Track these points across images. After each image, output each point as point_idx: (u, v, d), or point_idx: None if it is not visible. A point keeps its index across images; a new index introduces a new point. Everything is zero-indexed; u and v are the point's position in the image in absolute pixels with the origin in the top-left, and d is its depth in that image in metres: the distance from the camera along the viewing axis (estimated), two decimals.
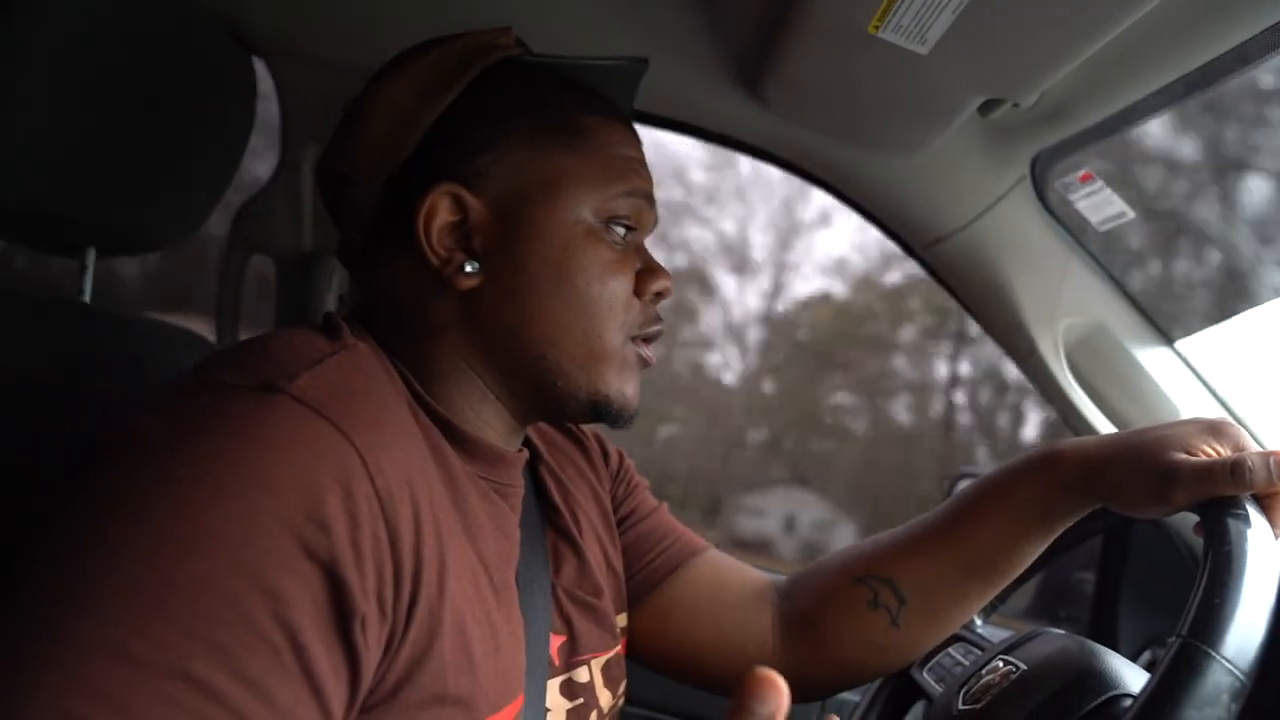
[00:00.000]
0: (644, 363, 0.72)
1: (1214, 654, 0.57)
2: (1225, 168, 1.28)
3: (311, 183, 1.29)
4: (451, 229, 0.67)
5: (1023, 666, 0.84)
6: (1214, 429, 0.73)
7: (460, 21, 0.74)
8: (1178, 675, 0.57)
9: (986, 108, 1.00)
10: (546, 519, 0.80)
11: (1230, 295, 1.27)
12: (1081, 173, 1.13)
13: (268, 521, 0.48)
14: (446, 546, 0.58)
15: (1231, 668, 0.57)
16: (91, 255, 0.99)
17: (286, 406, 0.52)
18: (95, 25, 0.81)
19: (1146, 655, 1.29)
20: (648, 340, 0.73)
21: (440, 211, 0.66)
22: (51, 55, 0.78)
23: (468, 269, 0.66)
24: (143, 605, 0.45)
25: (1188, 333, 1.23)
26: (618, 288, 0.69)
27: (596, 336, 0.68)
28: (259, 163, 1.18)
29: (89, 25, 0.81)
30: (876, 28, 0.84)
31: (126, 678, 0.44)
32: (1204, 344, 1.23)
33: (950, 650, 0.99)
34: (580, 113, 0.70)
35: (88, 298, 0.99)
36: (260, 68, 1.17)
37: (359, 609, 0.50)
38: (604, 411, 0.70)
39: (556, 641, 0.73)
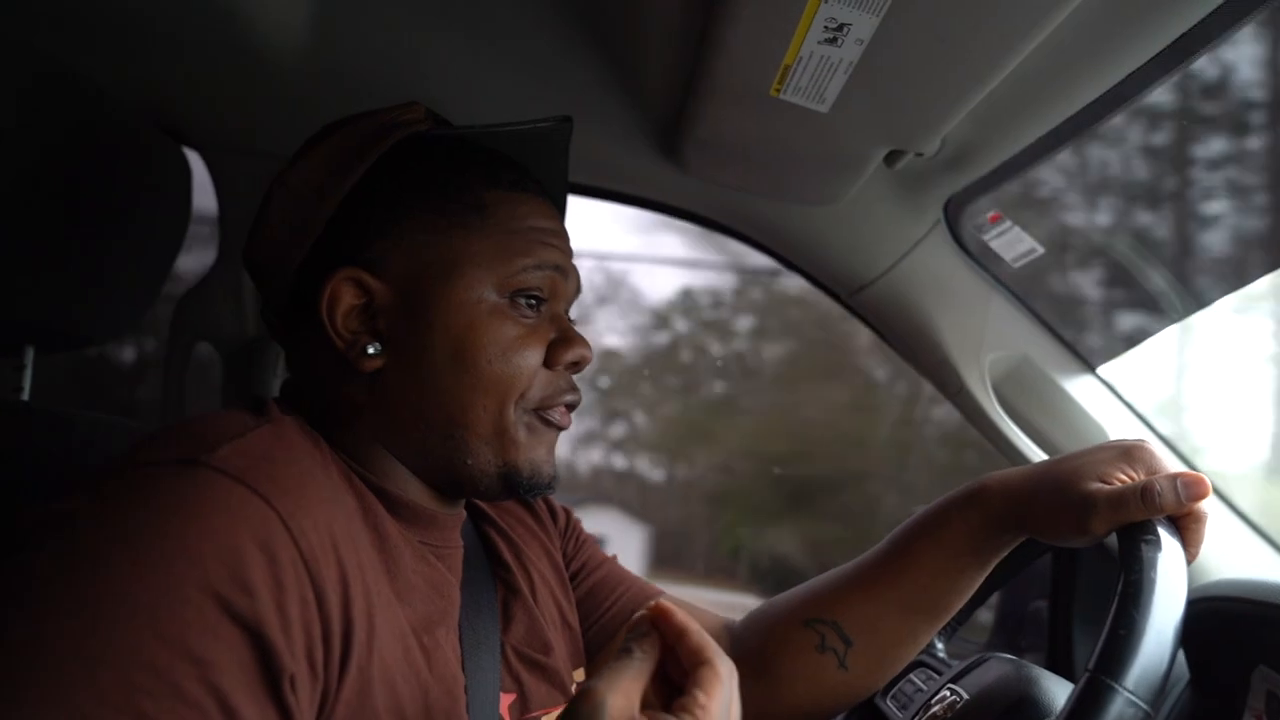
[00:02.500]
0: (556, 427, 0.72)
1: (1118, 687, 0.59)
2: (1129, 194, 1.35)
3: None
4: (357, 312, 0.68)
5: (965, 696, 0.86)
6: (1127, 454, 0.74)
7: (388, 95, 0.76)
8: (1084, 710, 0.60)
9: (892, 158, 1.05)
10: (496, 576, 0.80)
11: (1145, 318, 1.32)
12: (990, 214, 1.18)
13: (189, 590, 0.49)
14: (375, 608, 0.58)
15: (1134, 699, 0.59)
16: (30, 354, 0.99)
17: (206, 477, 0.53)
18: (25, 122, 0.82)
19: None
20: (564, 408, 0.72)
21: (344, 296, 0.67)
22: None
23: (370, 351, 0.67)
24: (71, 682, 0.46)
25: (1108, 358, 1.28)
26: (522, 363, 0.69)
27: (499, 414, 0.68)
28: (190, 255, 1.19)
29: (18, 121, 0.82)
30: (778, 90, 0.88)
31: None
32: (1124, 367, 1.28)
33: (912, 676, 1.01)
34: (484, 188, 0.70)
35: (26, 396, 0.99)
36: (195, 160, 1.19)
37: (287, 668, 0.51)
38: (515, 482, 0.70)
39: (506, 700, 0.73)
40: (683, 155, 1.11)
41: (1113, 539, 0.73)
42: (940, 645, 1.06)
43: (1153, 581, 0.65)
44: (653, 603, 0.53)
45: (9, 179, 0.82)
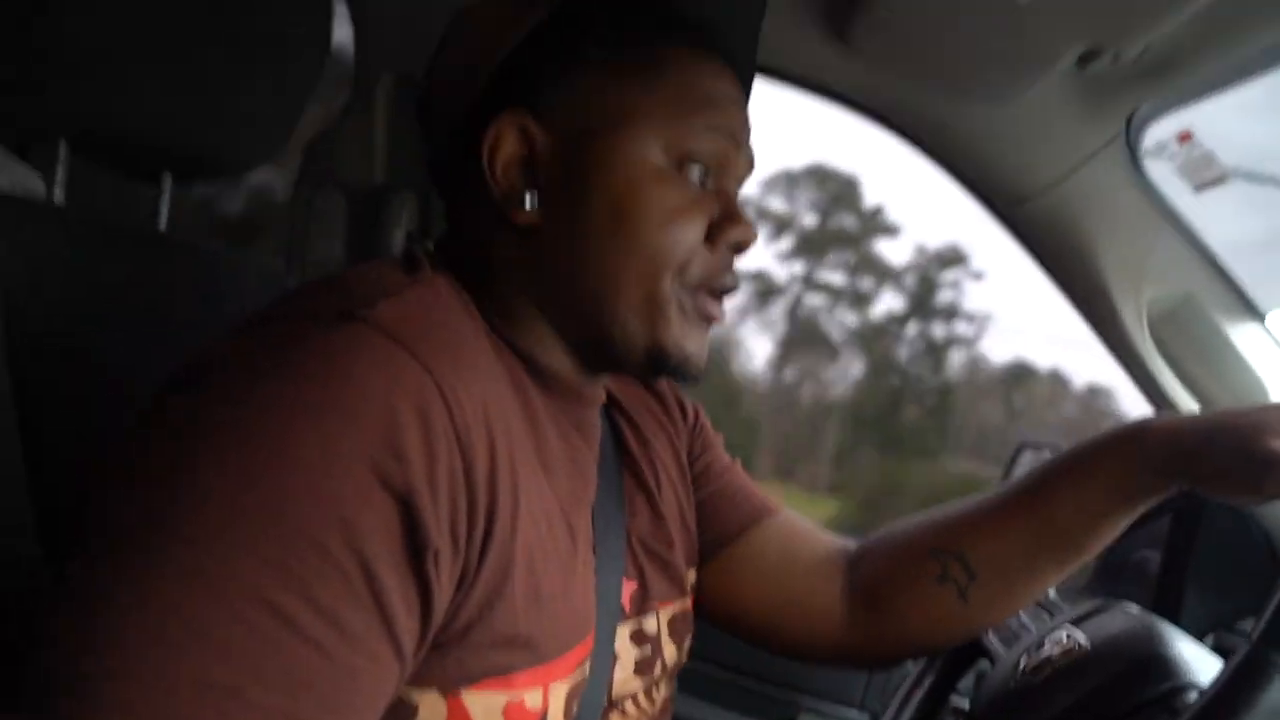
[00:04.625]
0: (708, 318, 0.68)
1: None
2: None
3: (384, 116, 1.28)
4: (518, 162, 0.65)
5: (1086, 644, 0.82)
6: None
7: None
8: (1244, 682, 0.56)
9: (1085, 59, 0.96)
10: (624, 465, 0.79)
11: None
12: (1182, 132, 1.08)
13: (344, 450, 0.47)
14: (521, 483, 0.57)
15: None
16: (168, 181, 1.00)
17: (365, 334, 0.51)
18: None
19: (1210, 639, 1.26)
20: (718, 294, 0.69)
21: (506, 143, 0.64)
22: None
23: (528, 204, 0.64)
24: (220, 532, 0.45)
25: None
26: (682, 235, 0.65)
27: (654, 285, 0.64)
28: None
29: None
30: None
31: (205, 601, 0.44)
32: None
33: (1020, 612, 0.97)
34: (660, 43, 0.66)
35: (163, 225, 1.00)
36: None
37: (432, 542, 0.50)
38: (662, 364, 0.67)
39: (629, 588, 0.73)
40: (853, 36, 1.03)
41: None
42: (1050, 590, 1.01)
43: None
44: None
45: (155, 4, 0.80)
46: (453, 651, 0.55)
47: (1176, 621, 1.28)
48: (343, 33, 1.24)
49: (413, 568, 0.49)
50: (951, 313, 4.91)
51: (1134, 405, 1.24)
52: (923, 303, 4.95)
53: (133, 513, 0.47)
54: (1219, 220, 1.21)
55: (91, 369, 0.78)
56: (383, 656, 0.49)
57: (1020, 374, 5.01)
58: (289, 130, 1.03)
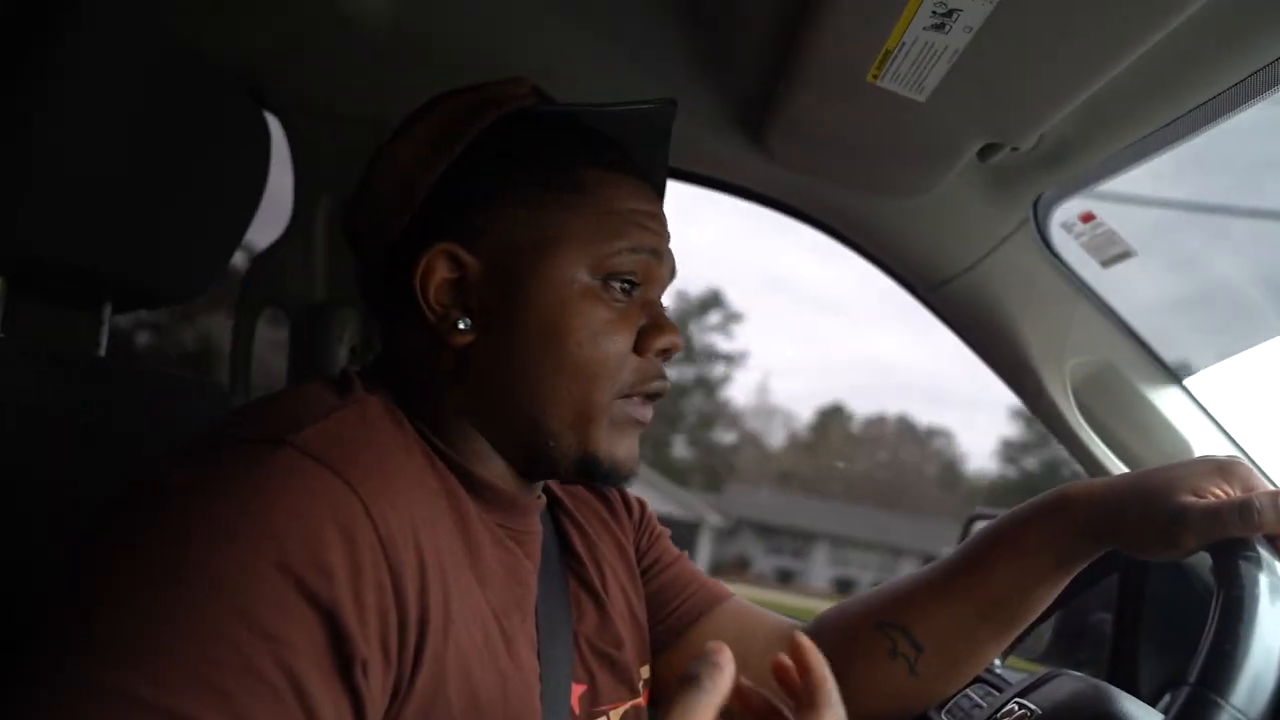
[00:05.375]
0: (639, 424, 0.71)
1: (1223, 703, 0.57)
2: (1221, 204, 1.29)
3: (324, 236, 1.31)
4: (449, 286, 0.67)
5: (1037, 710, 0.83)
6: (1222, 469, 0.73)
7: (472, 71, 0.75)
8: None
9: (986, 151, 1.02)
10: (569, 567, 0.79)
11: (1237, 331, 1.27)
12: (1083, 213, 1.14)
13: (267, 568, 0.49)
14: (453, 594, 0.58)
15: (1241, 717, 0.57)
16: (108, 310, 1.00)
17: (291, 457, 0.53)
18: (117, 82, 0.83)
19: (1166, 698, 1.27)
20: (648, 398, 0.71)
21: (438, 269, 0.66)
22: (73, 110, 0.80)
23: (460, 326, 0.66)
24: (152, 652, 0.46)
25: (1195, 370, 1.23)
26: (611, 348, 0.67)
27: (585, 398, 0.67)
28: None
29: (110, 82, 0.83)
30: (875, 76, 0.85)
31: None
32: (1212, 380, 1.23)
33: (969, 691, 0.98)
34: (583, 166, 0.69)
35: (103, 352, 1.00)
36: (273, 124, 1.20)
37: (360, 653, 0.51)
38: (594, 471, 0.69)
39: (578, 690, 0.73)
40: (769, 140, 1.08)
41: (1197, 557, 0.72)
42: (998, 661, 1.03)
43: (1256, 598, 0.63)
44: (796, 633, 0.55)
45: (97, 135, 0.83)
46: None
47: (1134, 681, 1.30)
48: (281, 154, 1.27)
49: (342, 679, 0.50)
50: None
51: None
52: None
53: (69, 630, 0.48)
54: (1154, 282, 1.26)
55: (32, 491, 0.78)
56: None
57: None
58: (228, 257, 1.05)
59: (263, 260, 1.33)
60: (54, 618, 0.49)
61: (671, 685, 0.87)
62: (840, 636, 0.89)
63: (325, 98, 1.25)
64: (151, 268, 0.95)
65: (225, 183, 1.02)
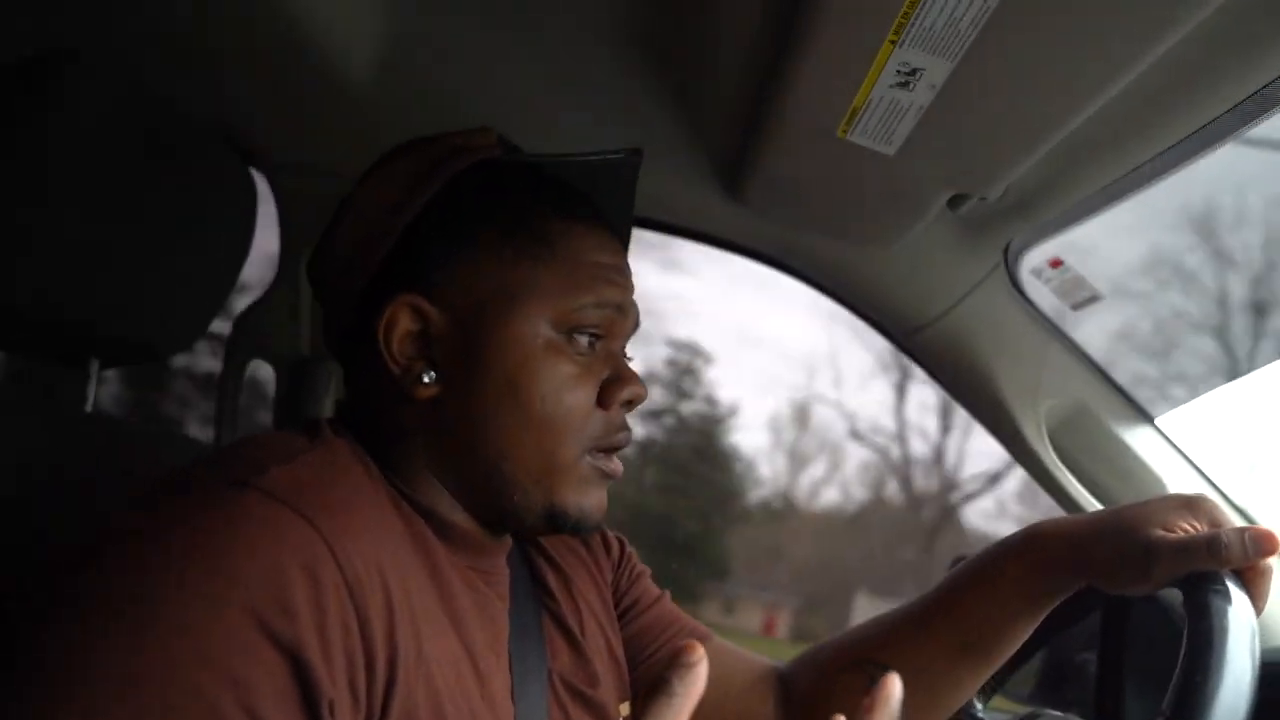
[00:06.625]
0: (605, 476, 0.70)
1: None
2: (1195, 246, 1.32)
3: (310, 289, 1.32)
4: (413, 338, 0.67)
5: None
6: (1190, 505, 0.75)
7: (452, 122, 0.75)
8: None
9: (956, 201, 1.04)
10: (543, 605, 0.79)
11: (1207, 371, 1.30)
12: (1052, 259, 1.17)
13: (230, 610, 0.49)
14: (424, 634, 0.58)
15: None
16: (95, 366, 1.01)
17: (254, 499, 0.53)
18: (101, 137, 0.84)
19: None
20: (612, 450, 0.71)
21: (401, 321, 0.66)
22: (58, 165, 0.81)
23: (425, 379, 0.66)
24: (116, 700, 0.46)
25: (1167, 409, 1.26)
26: (575, 402, 0.67)
27: (550, 453, 0.67)
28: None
29: (95, 137, 0.84)
30: (845, 131, 0.88)
31: None
32: (1185, 419, 1.26)
33: None
34: (548, 219, 0.69)
35: (89, 407, 1.01)
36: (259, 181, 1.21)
37: (326, 693, 0.50)
38: (561, 524, 0.69)
39: None
40: (744, 192, 1.11)
41: (1172, 592, 0.72)
42: (979, 705, 1.03)
43: (1225, 630, 0.64)
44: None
45: (83, 190, 0.84)
46: None
47: (1118, 717, 1.30)
48: (267, 209, 1.29)
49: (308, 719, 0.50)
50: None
51: None
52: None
53: (32, 679, 0.48)
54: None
55: (19, 545, 0.78)
56: None
57: None
58: (215, 312, 1.06)
59: (249, 314, 1.34)
60: (7, 664, 0.49)
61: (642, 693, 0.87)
62: (819, 674, 0.90)
63: (309, 154, 1.27)
64: (138, 323, 0.95)
65: (211, 239, 1.03)
